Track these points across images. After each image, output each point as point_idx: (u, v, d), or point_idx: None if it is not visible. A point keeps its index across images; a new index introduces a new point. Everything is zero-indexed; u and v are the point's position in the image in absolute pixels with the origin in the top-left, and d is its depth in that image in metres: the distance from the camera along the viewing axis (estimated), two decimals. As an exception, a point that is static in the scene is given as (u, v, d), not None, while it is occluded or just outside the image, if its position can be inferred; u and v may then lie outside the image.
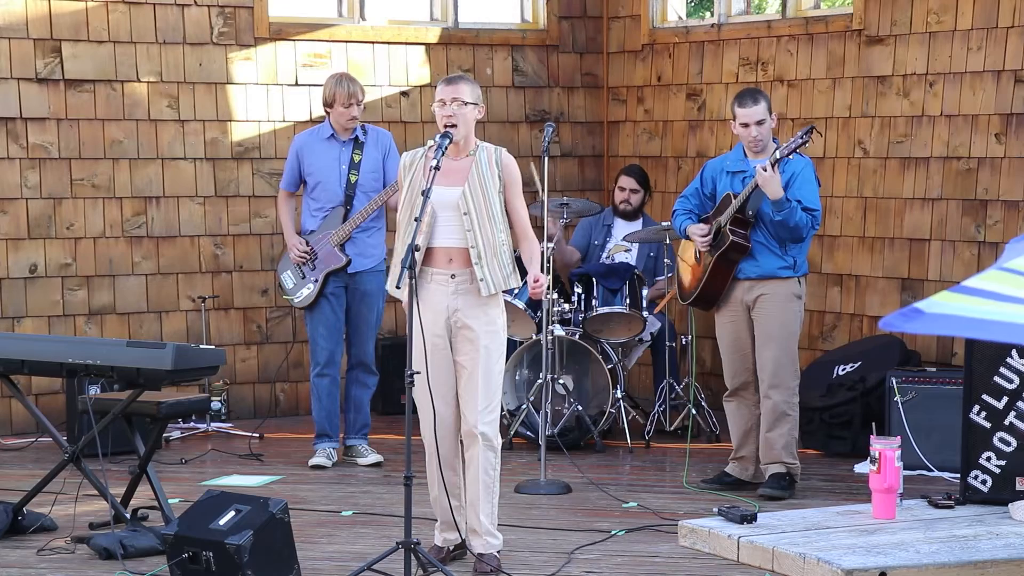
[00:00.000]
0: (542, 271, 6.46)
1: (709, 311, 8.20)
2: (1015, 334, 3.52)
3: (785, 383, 7.82)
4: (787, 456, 7.84)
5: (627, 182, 9.93)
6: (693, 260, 8.07)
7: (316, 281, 8.60)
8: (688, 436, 8.73)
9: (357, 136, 8.62)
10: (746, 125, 7.82)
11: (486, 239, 6.34)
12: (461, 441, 6.50)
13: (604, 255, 9.75)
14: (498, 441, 6.43)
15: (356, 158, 8.59)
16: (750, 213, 7.77)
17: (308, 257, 8.60)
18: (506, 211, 6.45)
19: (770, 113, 7.84)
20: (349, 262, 8.56)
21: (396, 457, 8.69)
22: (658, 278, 9.54)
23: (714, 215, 7.95)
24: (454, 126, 6.36)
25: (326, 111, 8.66)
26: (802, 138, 7.64)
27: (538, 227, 8.89)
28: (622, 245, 9.74)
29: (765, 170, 7.58)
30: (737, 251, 7.81)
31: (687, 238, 8.05)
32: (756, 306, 7.85)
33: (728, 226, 7.79)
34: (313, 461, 8.64)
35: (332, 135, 8.63)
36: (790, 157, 7.67)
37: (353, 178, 8.58)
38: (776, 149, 7.73)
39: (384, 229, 8.72)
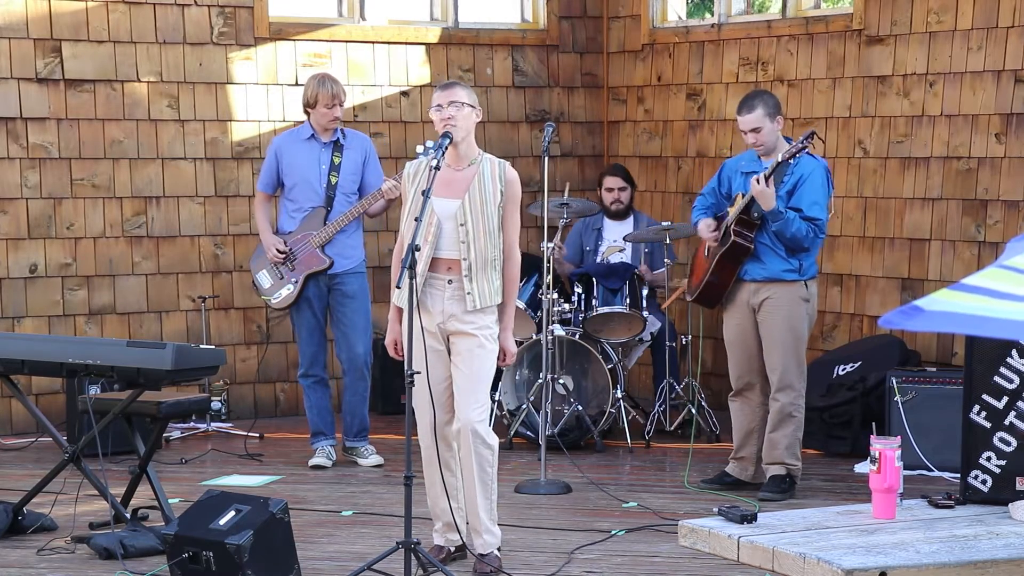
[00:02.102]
0: (541, 271, 6.46)
1: (713, 309, 8.20)
2: (1015, 331, 3.52)
3: (792, 385, 7.81)
4: (789, 457, 7.84)
5: (613, 182, 9.91)
6: (704, 256, 8.07)
7: (296, 282, 8.59)
8: (692, 435, 8.73)
9: (338, 139, 8.61)
10: (745, 132, 7.83)
11: (479, 252, 6.38)
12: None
13: (598, 259, 9.73)
14: (492, 438, 6.44)
15: (336, 160, 8.58)
16: (755, 215, 7.76)
17: (286, 257, 8.59)
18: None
19: (771, 117, 7.80)
20: (331, 264, 8.55)
21: (396, 457, 8.69)
22: (657, 270, 9.51)
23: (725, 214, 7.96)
24: (453, 127, 6.37)
25: (306, 112, 8.64)
26: (802, 143, 7.63)
27: (538, 227, 8.92)
28: (615, 246, 9.73)
29: (759, 182, 7.60)
30: (740, 252, 7.80)
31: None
32: (762, 309, 7.83)
33: (732, 227, 7.79)
34: (313, 461, 8.64)
35: (312, 136, 8.61)
36: (791, 162, 7.66)
37: (334, 179, 8.57)
38: (777, 153, 7.73)
39: (361, 230, 8.72)
